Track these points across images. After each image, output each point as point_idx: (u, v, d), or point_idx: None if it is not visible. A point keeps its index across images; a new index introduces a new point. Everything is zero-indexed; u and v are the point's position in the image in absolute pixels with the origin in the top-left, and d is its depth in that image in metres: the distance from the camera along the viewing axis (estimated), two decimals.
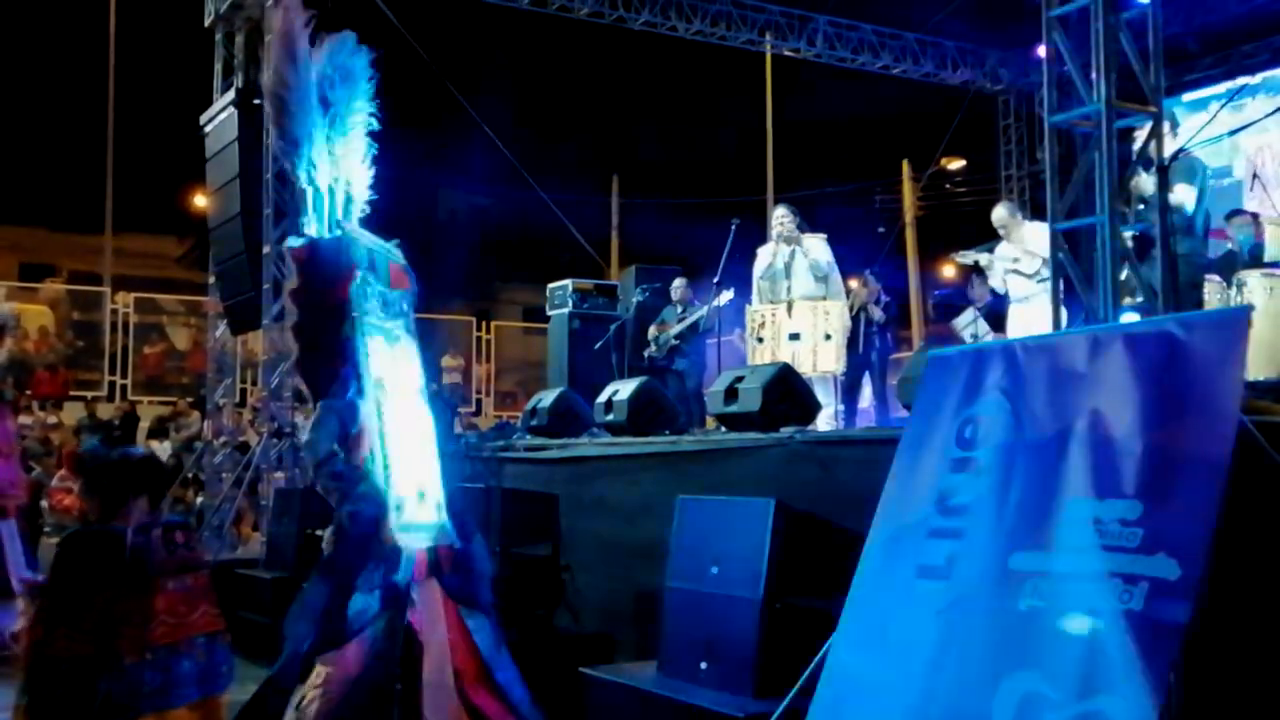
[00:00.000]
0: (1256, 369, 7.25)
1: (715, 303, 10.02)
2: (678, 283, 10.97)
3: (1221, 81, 13.82)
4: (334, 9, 11.92)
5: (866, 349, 10.27)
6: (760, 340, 8.94)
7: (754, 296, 9.53)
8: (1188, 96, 13.99)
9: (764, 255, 9.43)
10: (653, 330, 10.78)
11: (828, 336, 8.84)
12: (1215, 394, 3.20)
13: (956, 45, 15.48)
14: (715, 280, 10.03)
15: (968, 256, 9.58)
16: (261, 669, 4.51)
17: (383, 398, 4.04)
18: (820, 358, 8.81)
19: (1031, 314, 8.57)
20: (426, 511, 4.09)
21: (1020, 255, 8.92)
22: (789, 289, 8.98)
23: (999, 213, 9.33)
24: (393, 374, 4.14)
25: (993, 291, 10.01)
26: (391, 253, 4.38)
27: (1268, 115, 11.45)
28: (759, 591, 4.73)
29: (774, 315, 8.93)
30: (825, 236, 9.61)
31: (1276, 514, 3.41)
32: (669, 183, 25.06)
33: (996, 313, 10.65)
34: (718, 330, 10.22)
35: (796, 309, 8.85)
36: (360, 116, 4.31)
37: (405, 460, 4.06)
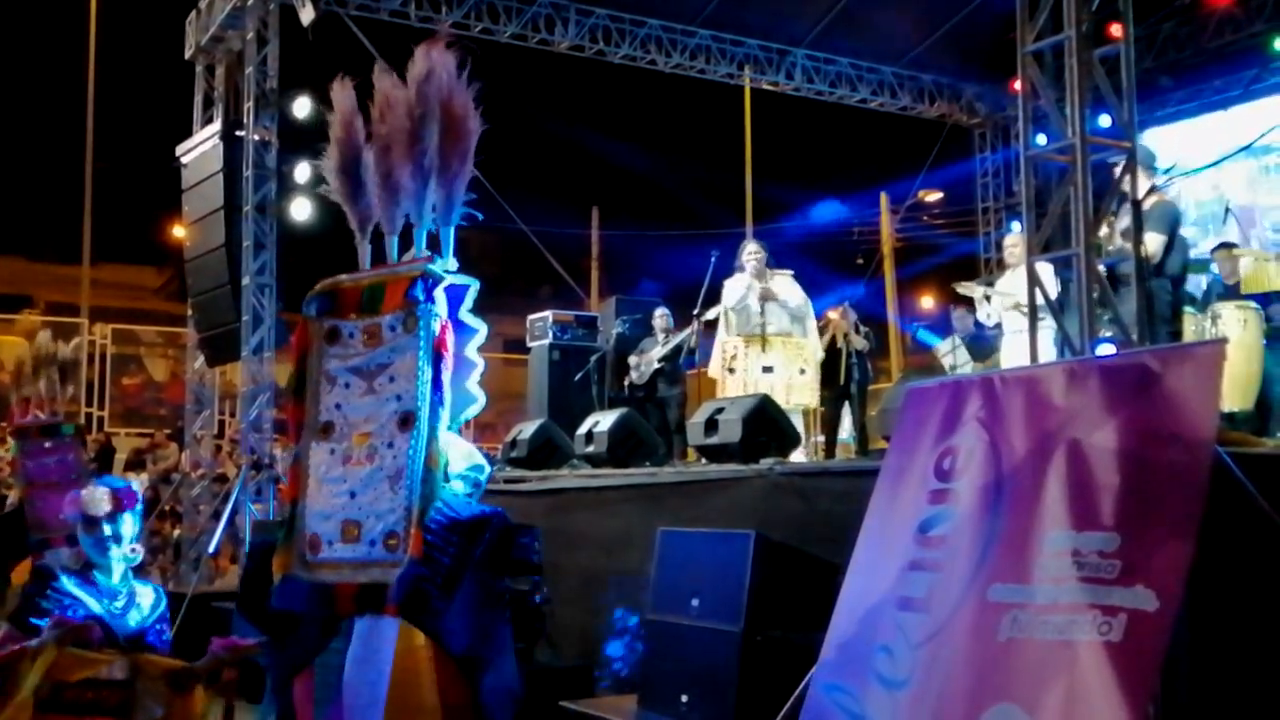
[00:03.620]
0: (1231, 401, 7.33)
1: (700, 321, 10.09)
2: (660, 311, 10.99)
3: (1194, 116, 14.00)
4: (313, 41, 11.99)
5: (846, 380, 10.30)
6: (732, 371, 8.97)
7: (722, 328, 9.53)
8: (1160, 131, 14.15)
9: (737, 287, 9.46)
10: (634, 359, 10.78)
11: (802, 371, 8.95)
12: (1190, 426, 3.22)
13: (933, 79, 15.63)
14: (694, 312, 10.09)
15: (972, 290, 9.64)
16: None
17: (321, 442, 4.00)
18: (794, 392, 8.88)
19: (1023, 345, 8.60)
20: (353, 548, 3.93)
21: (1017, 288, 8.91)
22: (763, 325, 9.03)
23: (1011, 239, 9.44)
24: (358, 406, 4.04)
25: (977, 323, 10.06)
26: (386, 273, 4.14)
27: (1238, 150, 11.60)
28: (740, 623, 4.73)
29: (746, 347, 8.98)
30: (793, 273, 9.69)
31: (1252, 545, 3.44)
32: (649, 214, 25.17)
33: (979, 344, 10.71)
34: (696, 360, 10.27)
35: (771, 344, 8.93)
36: None
37: (333, 497, 3.97)
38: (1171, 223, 7.02)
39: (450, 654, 3.76)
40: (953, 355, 10.59)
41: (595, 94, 19.71)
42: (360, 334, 4.07)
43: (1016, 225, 9.35)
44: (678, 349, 10.49)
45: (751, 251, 9.56)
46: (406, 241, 4.21)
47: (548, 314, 12.24)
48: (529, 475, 7.93)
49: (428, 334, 4.00)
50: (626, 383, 10.75)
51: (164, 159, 13.15)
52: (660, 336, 10.72)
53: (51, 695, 3.80)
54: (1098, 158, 5.77)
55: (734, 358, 9.00)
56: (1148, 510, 3.18)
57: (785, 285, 9.48)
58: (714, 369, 9.38)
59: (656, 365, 10.50)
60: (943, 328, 11.67)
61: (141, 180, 20.94)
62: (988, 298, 9.25)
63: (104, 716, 3.86)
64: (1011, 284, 9.17)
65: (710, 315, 9.99)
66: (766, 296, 9.18)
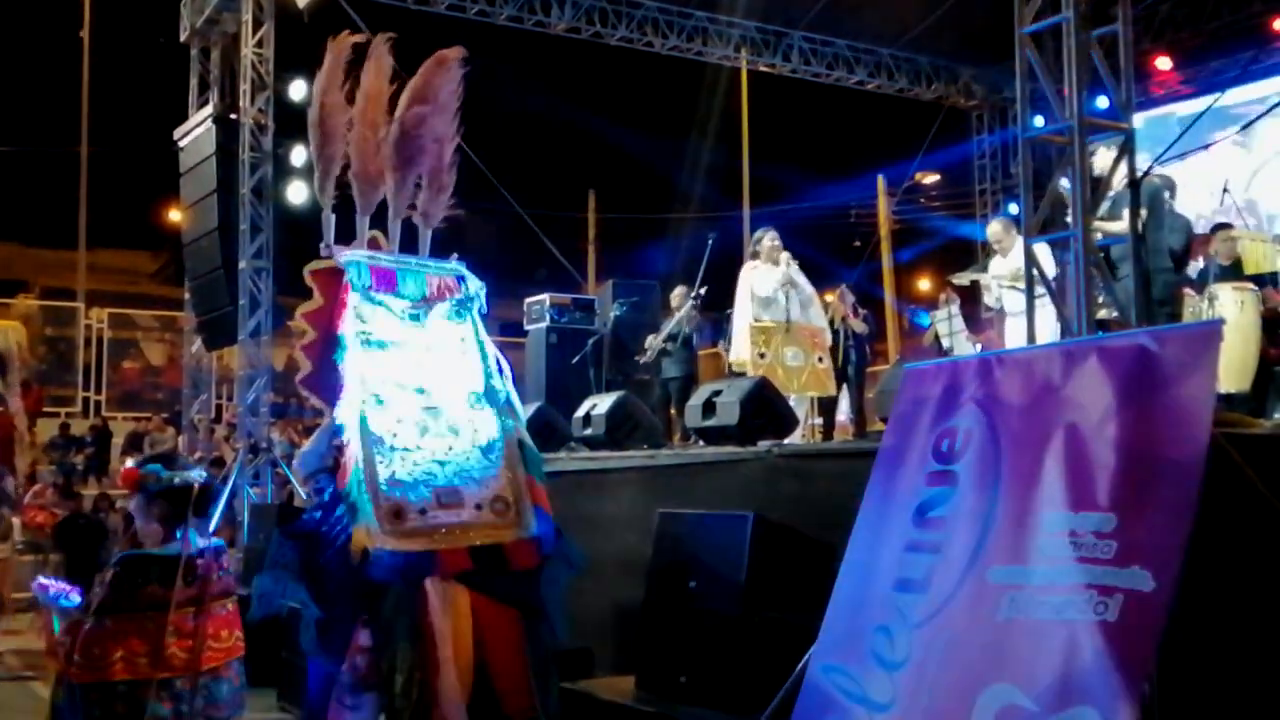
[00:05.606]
0: (1228, 382, 7.34)
1: (686, 307, 10.15)
2: (677, 290, 10.96)
3: (1191, 98, 13.98)
4: (308, 24, 11.92)
5: (844, 362, 10.31)
6: (762, 355, 9.04)
7: (748, 313, 9.52)
8: (1157, 111, 14.13)
9: (766, 279, 9.44)
10: (650, 339, 10.81)
11: (820, 359, 9.19)
12: (1187, 407, 3.23)
13: (931, 61, 15.59)
14: (693, 295, 10.11)
15: (963, 278, 9.66)
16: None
17: (377, 411, 4.15)
18: (815, 380, 9.14)
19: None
20: (456, 513, 4.16)
21: (1017, 270, 8.93)
22: (788, 312, 9.13)
23: (994, 228, 9.46)
24: (415, 382, 4.28)
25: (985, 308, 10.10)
26: (425, 265, 4.55)
27: (1237, 129, 11.59)
28: (738, 605, 4.74)
29: (777, 334, 9.09)
30: (798, 263, 9.77)
31: (1248, 526, 3.45)
32: (646, 197, 25.11)
33: (974, 315, 10.75)
34: (694, 342, 10.29)
35: (795, 331, 9.05)
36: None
37: (415, 466, 4.14)
38: (1152, 198, 7.00)
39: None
40: (949, 323, 10.61)
41: (592, 76, 19.65)
42: (393, 314, 4.30)
43: (1013, 207, 9.35)
44: (677, 329, 10.52)
45: (772, 238, 9.58)
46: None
47: (545, 297, 12.22)
48: None
49: (478, 327, 4.53)
50: (639, 360, 10.78)
51: (159, 143, 13.12)
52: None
53: None
54: (1096, 139, 5.77)
55: (766, 342, 9.09)
56: (1145, 491, 3.19)
57: (797, 273, 9.57)
58: (739, 353, 9.39)
59: (660, 346, 10.50)
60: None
61: (137, 164, 20.87)
62: (988, 285, 9.28)
63: None
64: (1001, 267, 9.20)
65: (688, 307, 10.11)
66: (790, 284, 9.29)
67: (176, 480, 4.21)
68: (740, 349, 9.35)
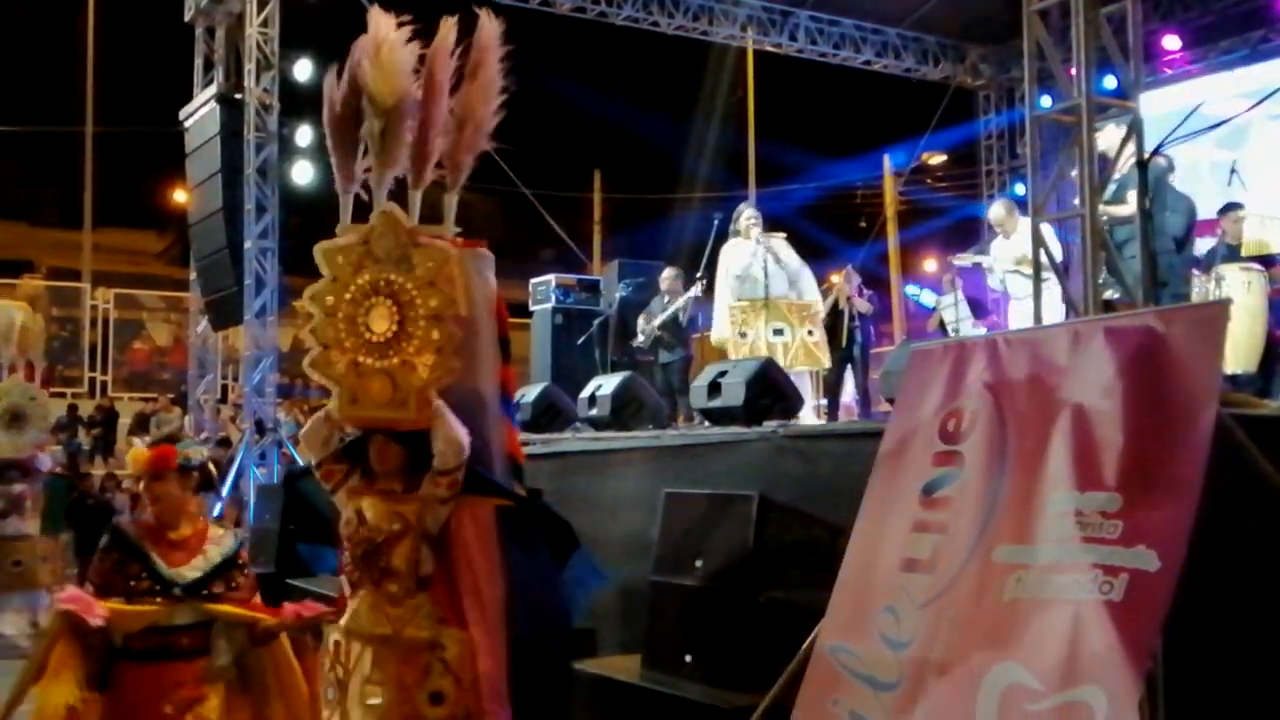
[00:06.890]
0: (1235, 363, 7.33)
1: (690, 293, 10.10)
2: (667, 273, 10.90)
3: (1200, 77, 13.91)
4: (314, 3, 11.87)
5: (849, 343, 10.30)
6: (744, 335, 8.99)
7: (727, 293, 9.50)
8: (1166, 91, 14.05)
9: (741, 254, 9.42)
10: (640, 321, 10.76)
11: (810, 332, 9.06)
12: (1194, 387, 3.22)
13: (938, 40, 15.53)
14: (697, 275, 10.08)
15: (965, 259, 9.64)
16: None
17: None
18: (805, 353, 8.98)
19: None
20: None
21: (1022, 255, 8.90)
22: (767, 288, 9.07)
23: (996, 211, 9.42)
24: None
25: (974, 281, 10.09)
26: None
27: (1245, 111, 11.51)
28: (744, 584, 4.76)
29: (756, 311, 9.02)
30: (784, 237, 9.73)
31: (1254, 506, 3.45)
32: (651, 177, 25.06)
33: (978, 301, 10.73)
34: (698, 324, 10.27)
35: (776, 306, 8.98)
36: None
37: None
38: (1154, 180, 6.96)
39: None
40: (955, 309, 10.60)
41: (597, 56, 19.60)
42: None
43: (1019, 187, 9.34)
44: (675, 318, 10.47)
45: (749, 216, 9.56)
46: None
47: (550, 278, 12.21)
48: (532, 439, 7.94)
49: None
50: (634, 345, 10.72)
51: (164, 123, 13.12)
52: (665, 299, 10.68)
53: (123, 647, 4.02)
54: (1104, 119, 5.74)
55: (745, 321, 9.03)
56: (1150, 471, 3.19)
57: (781, 247, 9.52)
58: (720, 333, 9.35)
59: (656, 333, 10.47)
60: (936, 289, 11.71)
61: (142, 144, 20.87)
62: (991, 267, 9.27)
63: (176, 660, 4.06)
64: (1004, 249, 9.17)
65: (695, 291, 10.07)
66: (769, 256, 9.23)
67: (206, 454, 4.41)
68: (721, 330, 9.34)
